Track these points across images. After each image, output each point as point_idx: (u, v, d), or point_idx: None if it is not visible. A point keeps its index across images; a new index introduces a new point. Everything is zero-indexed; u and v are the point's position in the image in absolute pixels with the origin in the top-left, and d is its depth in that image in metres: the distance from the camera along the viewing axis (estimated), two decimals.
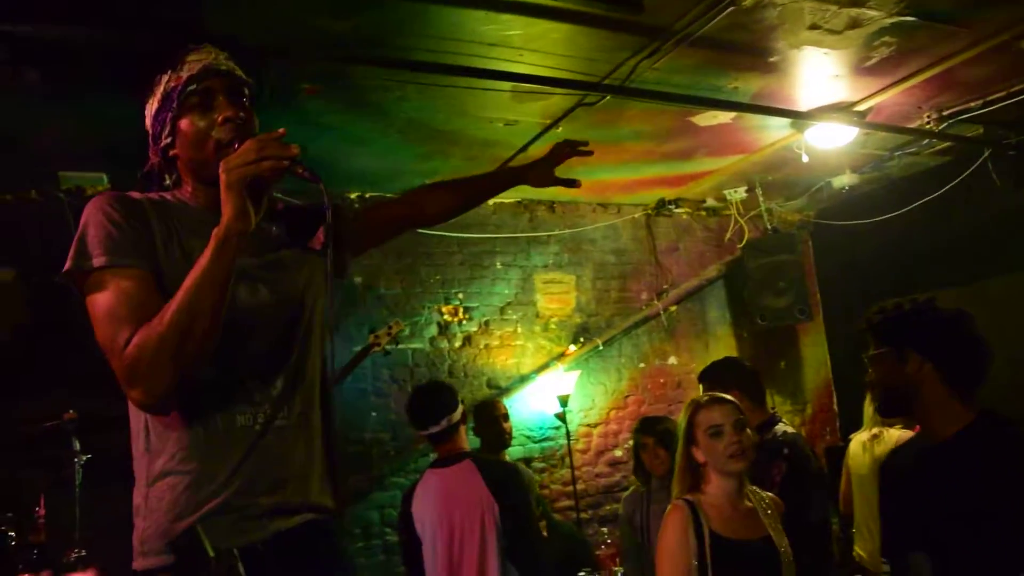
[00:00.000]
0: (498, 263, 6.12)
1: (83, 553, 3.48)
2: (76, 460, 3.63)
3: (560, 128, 4.70)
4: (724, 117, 4.95)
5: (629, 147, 5.28)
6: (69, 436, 3.66)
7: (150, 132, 1.79)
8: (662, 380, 6.65)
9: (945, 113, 5.12)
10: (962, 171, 5.81)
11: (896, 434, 4.20)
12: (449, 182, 2.28)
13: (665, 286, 6.77)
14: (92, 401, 4.38)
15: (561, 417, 5.72)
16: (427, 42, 3.63)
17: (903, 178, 6.42)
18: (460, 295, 5.93)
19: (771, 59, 4.14)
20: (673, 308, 6.77)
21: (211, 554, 1.09)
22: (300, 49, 3.53)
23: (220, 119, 1.71)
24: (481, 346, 5.94)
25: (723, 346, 6.87)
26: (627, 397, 6.44)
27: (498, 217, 6.14)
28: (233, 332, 1.62)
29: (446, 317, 5.86)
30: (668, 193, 6.64)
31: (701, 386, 3.72)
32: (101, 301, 1.58)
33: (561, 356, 6.14)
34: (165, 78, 1.75)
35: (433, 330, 5.82)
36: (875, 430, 4.38)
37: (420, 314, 5.78)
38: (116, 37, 3.28)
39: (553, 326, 6.26)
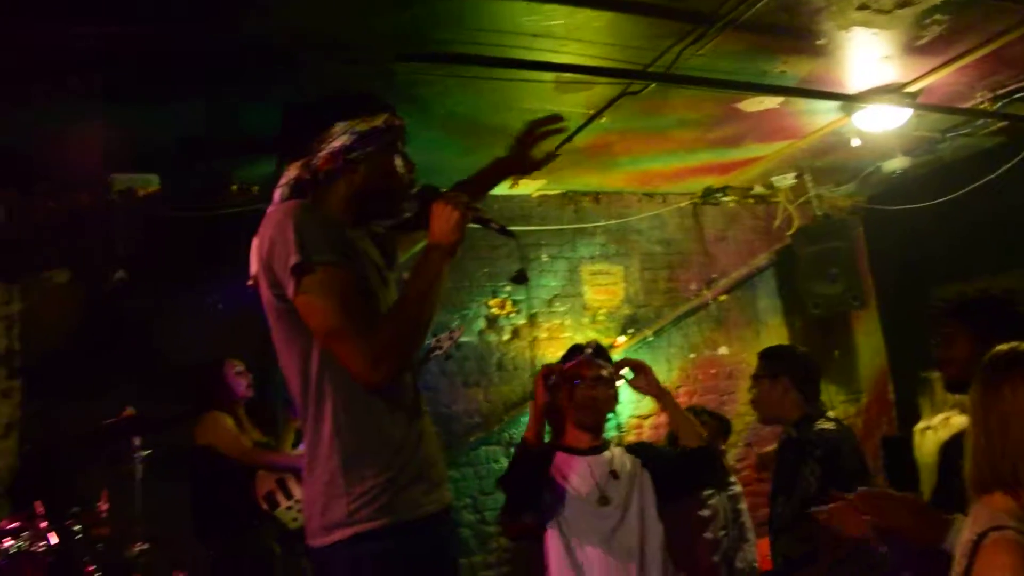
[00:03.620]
0: (544, 255, 6.11)
1: (146, 546, 3.56)
2: (136, 456, 3.70)
3: (604, 118, 4.67)
4: (771, 102, 4.86)
5: (674, 135, 5.23)
6: (129, 433, 3.74)
7: (341, 144, 2.01)
8: (713, 371, 6.59)
9: (999, 92, 4.96)
10: (1018, 152, 5.64)
11: (961, 420, 4.10)
12: (459, 183, 2.56)
13: (714, 275, 6.71)
14: (148, 399, 4.52)
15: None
16: (469, 35, 3.62)
17: (957, 160, 6.26)
18: (507, 288, 5.93)
19: (819, 42, 4.06)
20: (723, 297, 6.70)
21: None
22: (344, 46, 3.55)
23: (408, 169, 2.13)
24: (529, 339, 5.95)
25: (774, 335, 6.78)
26: (678, 388, 6.39)
27: (543, 209, 6.13)
28: None
29: (494, 310, 5.87)
30: (715, 181, 6.56)
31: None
32: (336, 294, 1.81)
33: (610, 348, 6.11)
34: (386, 116, 2.07)
35: (481, 323, 5.84)
36: (943, 415, 4.28)
37: (468, 308, 5.81)
38: (174, 40, 3.32)
39: (601, 317, 6.23)
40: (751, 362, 6.56)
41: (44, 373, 4.83)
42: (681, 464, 3.05)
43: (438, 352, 5.08)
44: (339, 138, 2.01)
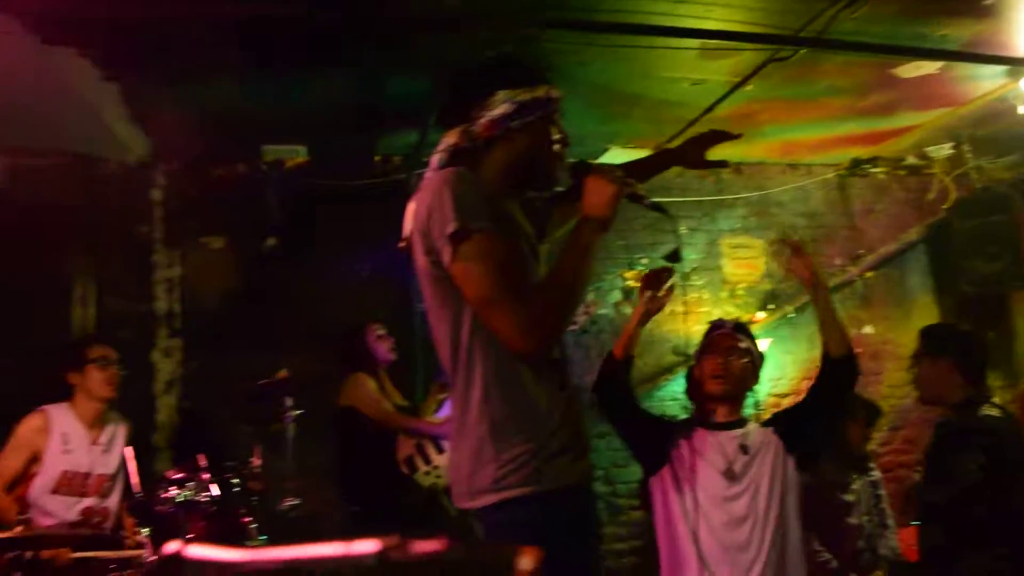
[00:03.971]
0: (683, 227, 5.99)
1: (296, 502, 3.71)
2: (288, 415, 3.86)
3: (750, 86, 4.53)
4: (930, 68, 4.60)
5: (823, 103, 5.02)
6: (282, 393, 3.90)
7: (501, 112, 2.00)
8: (857, 350, 6.25)
9: None
10: None
11: None
12: (621, 166, 2.45)
13: (860, 251, 6.42)
14: (296, 360, 4.72)
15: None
16: (612, 3, 3.58)
17: None
18: (644, 260, 5.86)
19: (985, 2, 3.81)
20: (869, 274, 6.41)
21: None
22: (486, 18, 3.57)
23: (560, 140, 2.08)
24: (666, 312, 5.81)
25: (925, 314, 6.43)
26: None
27: (682, 180, 6.00)
28: None
29: (630, 283, 5.82)
30: (863, 152, 6.26)
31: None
32: (492, 261, 1.82)
33: (749, 324, 5.95)
34: (546, 87, 2.04)
35: (617, 296, 5.80)
36: None
37: (604, 280, 5.78)
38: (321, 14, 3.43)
39: (740, 292, 6.09)
40: (898, 342, 6.36)
41: (202, 333, 5.14)
42: (811, 397, 2.93)
43: (573, 326, 5.03)
44: (500, 106, 2.00)
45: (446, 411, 4.23)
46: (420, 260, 1.94)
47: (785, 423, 2.93)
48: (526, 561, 0.53)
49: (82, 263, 4.99)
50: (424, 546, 0.57)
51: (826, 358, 2.86)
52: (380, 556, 0.57)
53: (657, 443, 2.95)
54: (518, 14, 3.60)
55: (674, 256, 2.29)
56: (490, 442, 1.85)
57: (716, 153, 2.55)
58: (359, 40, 3.82)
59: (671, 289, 3.03)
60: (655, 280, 3.02)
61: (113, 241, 5.14)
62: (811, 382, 2.96)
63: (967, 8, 3.87)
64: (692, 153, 2.55)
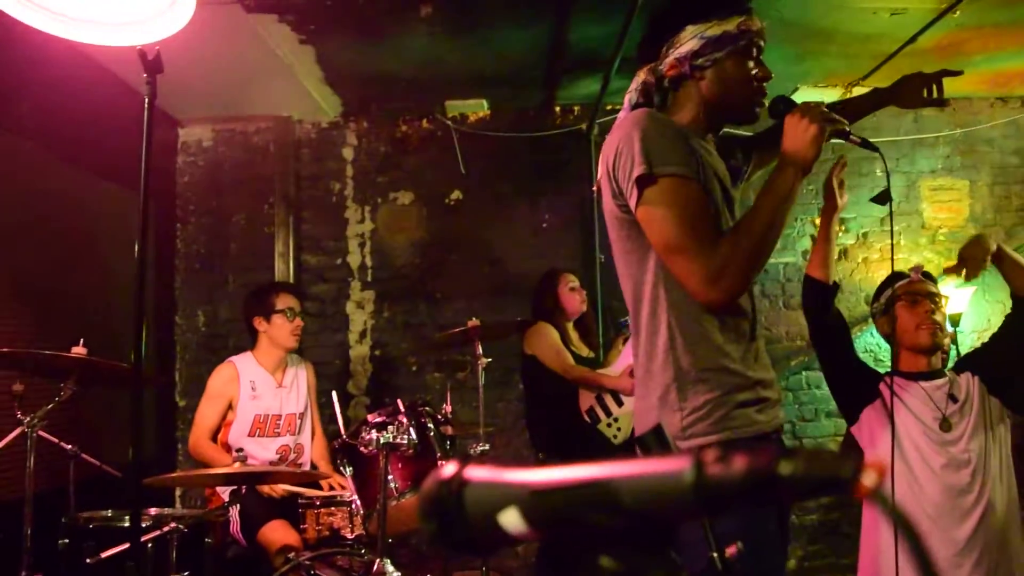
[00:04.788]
0: (878, 170, 5.63)
1: (487, 447, 3.81)
2: (479, 363, 3.95)
3: (957, 13, 4.15)
4: None
5: None
6: (473, 342, 3.99)
7: (690, 48, 1.94)
8: None
9: None
10: None
11: None
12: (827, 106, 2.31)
13: None
14: (482, 311, 4.84)
15: (952, 338, 5.22)
16: None
17: None
18: None
19: None
20: None
21: (674, 449, 1.19)
22: None
23: (760, 75, 1.97)
24: (859, 260, 5.59)
25: None
26: None
27: (877, 119, 5.54)
28: None
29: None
30: None
31: None
32: (678, 207, 1.77)
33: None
34: (739, 19, 1.93)
35: (806, 243, 5.56)
36: None
37: (792, 226, 5.56)
38: None
39: (942, 238, 5.69)
40: None
41: (392, 285, 5.35)
42: (1005, 337, 2.96)
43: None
44: (687, 43, 1.93)
45: (623, 362, 4.21)
46: (608, 203, 1.92)
47: (980, 365, 2.94)
48: (869, 477, 0.49)
49: (283, 220, 5.28)
50: (746, 460, 0.53)
51: (1015, 298, 2.92)
52: (697, 471, 0.54)
53: (864, 389, 2.95)
54: None
55: (883, 197, 2.16)
56: (675, 389, 1.83)
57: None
58: None
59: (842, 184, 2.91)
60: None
61: (310, 198, 5.42)
62: (1004, 322, 2.99)
63: None
64: (908, 92, 2.35)
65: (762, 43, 1.97)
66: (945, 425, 2.80)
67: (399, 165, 5.45)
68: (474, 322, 3.87)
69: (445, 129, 5.41)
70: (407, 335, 5.31)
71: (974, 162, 5.78)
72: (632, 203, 1.81)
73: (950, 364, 3.03)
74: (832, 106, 2.21)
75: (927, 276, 3.02)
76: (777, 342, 5.45)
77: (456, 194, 5.42)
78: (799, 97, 5.32)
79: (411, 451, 3.10)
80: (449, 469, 0.66)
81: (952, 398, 2.85)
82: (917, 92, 2.34)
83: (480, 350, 3.92)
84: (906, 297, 2.96)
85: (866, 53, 4.75)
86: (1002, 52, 4.88)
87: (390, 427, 3.04)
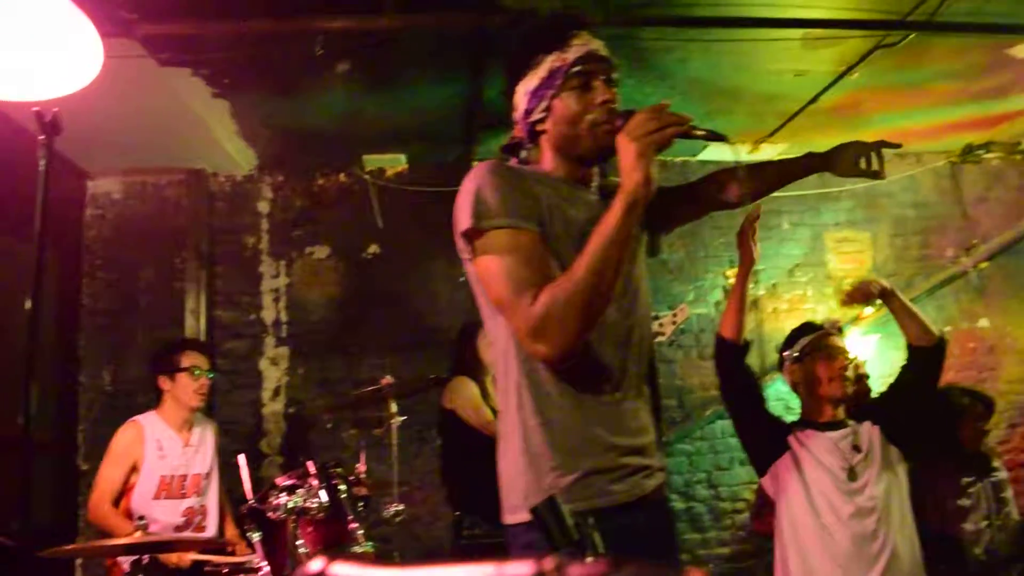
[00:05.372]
0: (785, 223, 5.84)
1: (401, 507, 3.74)
2: (392, 422, 3.90)
3: (856, 74, 4.38)
4: None
5: (934, 88, 4.81)
6: (386, 399, 3.94)
7: (523, 107, 1.87)
8: (971, 345, 6.05)
9: None
10: None
11: None
12: (760, 163, 2.26)
13: (974, 241, 6.13)
14: (399, 366, 4.79)
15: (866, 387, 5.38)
16: None
17: None
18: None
19: None
20: (984, 265, 6.11)
21: (569, 521, 1.13)
22: (589, 16, 3.53)
23: (599, 101, 1.80)
24: (769, 310, 5.73)
25: None
26: None
27: None
28: None
29: (731, 281, 5.69)
30: (976, 137, 5.97)
31: None
32: (502, 260, 1.67)
33: (856, 320, 5.77)
34: (550, 58, 1.81)
35: (718, 295, 5.69)
36: None
37: (704, 278, 5.68)
38: (415, 20, 3.48)
39: (846, 288, 5.87)
40: (1016, 336, 6.06)
41: (307, 341, 5.26)
42: (900, 380, 3.13)
43: (660, 337, 4.80)
44: (519, 103, 1.87)
45: None
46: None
47: (880, 415, 3.07)
48: None
49: (195, 275, 5.16)
50: (584, 569, 0.53)
51: (911, 349, 3.08)
52: None
53: (774, 442, 3.05)
54: (616, 13, 3.56)
55: (715, 136, 1.76)
56: (522, 455, 1.72)
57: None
58: (459, 47, 3.84)
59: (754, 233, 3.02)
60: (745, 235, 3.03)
61: (223, 253, 5.32)
62: (900, 372, 3.15)
63: None
64: (843, 160, 2.14)
65: (597, 65, 1.83)
66: (852, 474, 2.89)
67: (315, 219, 5.41)
68: (387, 379, 3.83)
69: (363, 183, 5.40)
70: (323, 392, 5.21)
71: (875, 215, 6.03)
72: (467, 258, 1.75)
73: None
74: (761, 165, 2.24)
75: (839, 331, 3.18)
76: (691, 392, 5.53)
77: (373, 248, 5.39)
78: (709, 153, 5.49)
79: (322, 514, 3.02)
80: (315, 566, 0.65)
81: (856, 448, 2.96)
82: (852, 162, 2.15)
83: (394, 408, 3.88)
84: (824, 351, 3.07)
85: (772, 112, 4.94)
86: (898, 111, 5.13)
87: (299, 490, 2.97)
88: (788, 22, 3.67)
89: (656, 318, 4.83)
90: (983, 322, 6.10)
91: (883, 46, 4.06)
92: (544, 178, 1.83)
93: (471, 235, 1.70)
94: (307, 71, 4.00)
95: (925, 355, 3.06)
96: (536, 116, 1.85)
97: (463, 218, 1.70)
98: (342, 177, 5.44)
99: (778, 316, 5.72)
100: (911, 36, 3.94)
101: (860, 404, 3.30)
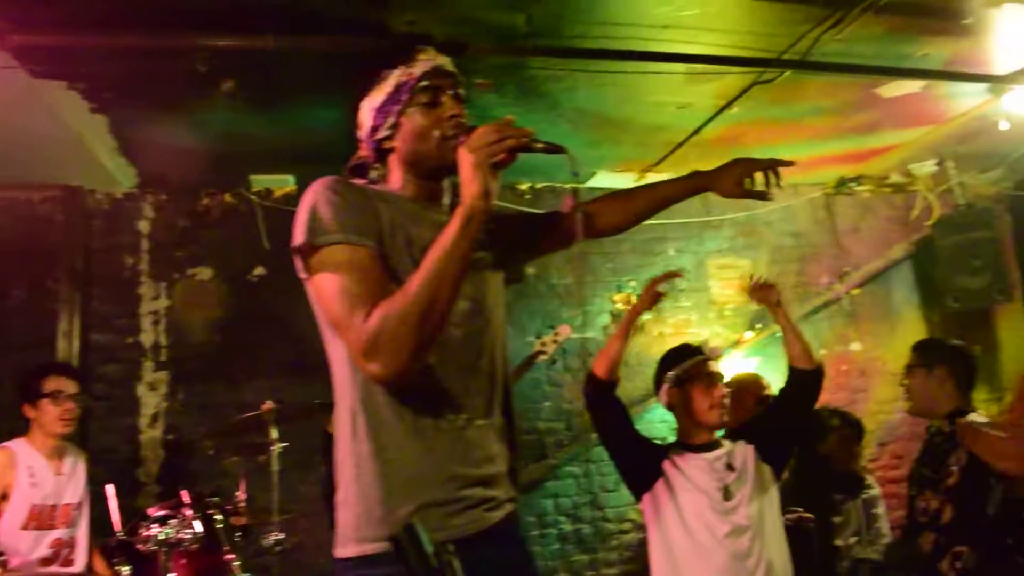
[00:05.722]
0: (670, 249, 6.02)
1: (282, 536, 3.66)
2: (273, 448, 3.81)
3: (736, 108, 4.56)
4: (912, 87, 4.65)
5: (808, 124, 5.05)
6: (266, 425, 3.85)
7: (368, 124, 1.83)
8: (844, 367, 6.34)
9: None
10: None
11: None
12: (630, 190, 2.16)
13: (846, 268, 6.45)
14: (284, 391, 4.68)
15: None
16: (599, 29, 3.60)
17: None
18: (632, 283, 5.87)
19: (965, 21, 3.84)
20: (856, 291, 6.44)
21: (429, 549, 1.10)
22: (476, 44, 3.57)
23: (447, 116, 1.77)
24: (655, 334, 5.86)
25: (911, 330, 6.46)
26: None
27: None
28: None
29: (618, 306, 5.82)
30: (849, 171, 6.31)
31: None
32: (336, 276, 1.60)
33: (737, 344, 5.97)
34: (396, 73, 1.79)
35: (605, 319, 5.79)
36: None
37: (592, 303, 5.78)
38: (303, 42, 3.44)
39: (728, 313, 6.09)
40: (885, 359, 6.38)
41: (188, 366, 5.08)
42: (780, 402, 3.23)
43: (543, 356, 4.81)
44: (365, 120, 1.83)
45: None
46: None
47: (755, 434, 3.14)
48: None
49: (68, 296, 4.93)
50: None
51: (791, 370, 3.16)
52: None
53: (649, 465, 3.09)
54: (505, 42, 3.61)
55: (554, 148, 1.69)
56: (354, 484, 1.63)
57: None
58: (347, 68, 3.81)
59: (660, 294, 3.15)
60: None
61: (100, 273, 5.09)
62: (776, 397, 3.27)
63: (947, 28, 3.91)
64: (727, 180, 2.04)
65: (444, 79, 1.81)
66: (727, 494, 2.96)
67: (199, 239, 5.24)
68: (268, 404, 3.74)
69: (249, 204, 5.28)
70: (204, 418, 5.02)
71: (755, 243, 6.28)
72: (303, 277, 1.69)
73: (721, 433, 3.20)
74: (629, 192, 2.15)
75: (718, 356, 3.25)
76: (580, 415, 5.59)
77: (259, 270, 5.26)
78: (597, 181, 5.60)
79: (195, 545, 2.94)
80: None
81: (730, 467, 3.02)
82: (737, 182, 2.03)
83: (275, 434, 3.79)
84: (703, 379, 3.09)
85: (657, 142, 5.09)
86: (776, 144, 5.35)
87: (172, 521, 2.88)
88: (671, 56, 3.79)
89: (539, 337, 4.89)
90: (855, 345, 6.41)
91: (760, 82, 4.24)
92: (389, 196, 1.78)
93: (305, 252, 1.64)
94: (190, 88, 3.89)
95: (805, 378, 3.15)
96: (383, 133, 1.81)
97: (297, 234, 1.65)
98: (228, 197, 5.30)
99: (663, 340, 5.85)
100: (786, 73, 4.13)
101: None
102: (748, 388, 4.10)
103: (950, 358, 3.33)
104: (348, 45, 3.45)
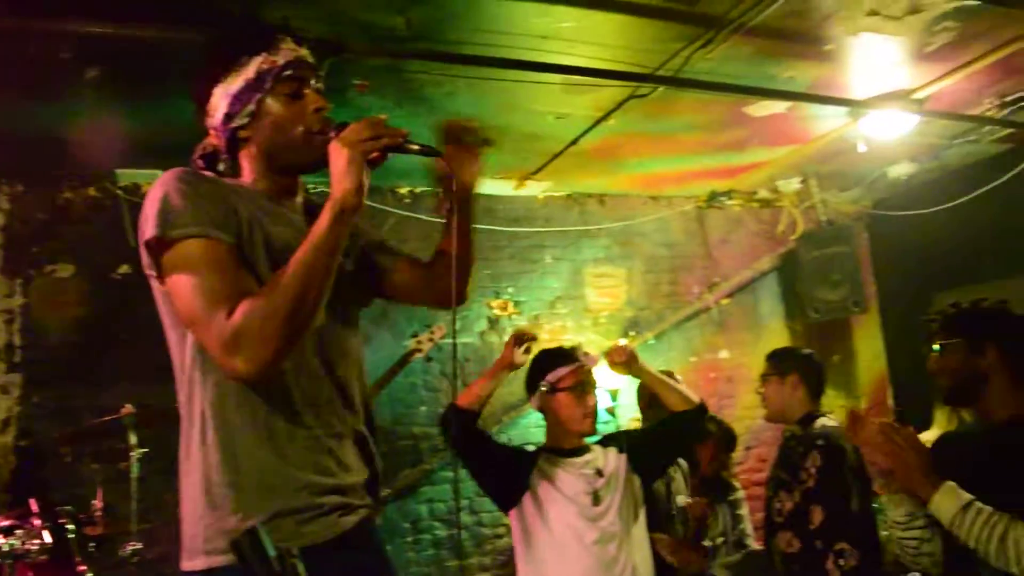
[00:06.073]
0: (548, 257, 6.09)
1: (139, 546, 3.52)
2: (132, 454, 3.66)
3: (612, 120, 4.66)
4: (778, 107, 4.85)
5: (681, 139, 5.21)
6: (126, 430, 3.69)
7: (223, 111, 1.72)
8: (713, 374, 6.57)
9: (1007, 99, 4.95)
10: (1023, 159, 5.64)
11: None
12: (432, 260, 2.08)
13: (716, 279, 6.69)
14: (148, 394, 4.48)
15: (611, 411, 5.68)
16: (479, 36, 3.61)
17: (963, 167, 6.22)
18: (510, 289, 5.92)
19: (827, 47, 4.05)
20: (725, 301, 6.68)
21: (272, 554, 1.07)
22: (353, 44, 3.53)
23: (312, 108, 1.72)
24: None
25: (775, 339, 6.73)
26: None
27: (547, 211, 6.11)
28: None
29: (496, 311, 5.86)
30: (720, 185, 6.54)
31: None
32: (193, 272, 1.52)
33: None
34: (257, 60, 1.70)
35: (483, 324, 5.82)
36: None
37: (470, 308, 5.79)
38: (173, 32, 3.32)
39: (603, 320, 6.22)
40: (751, 366, 6.62)
41: (44, 368, 4.82)
42: (663, 431, 3.23)
43: (418, 354, 4.84)
44: (219, 106, 1.72)
45: None
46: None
47: (630, 447, 3.16)
48: None
49: None
50: None
51: (673, 414, 3.15)
52: None
53: (515, 481, 3.05)
54: (386, 44, 3.58)
55: (429, 151, 1.71)
56: (203, 493, 1.57)
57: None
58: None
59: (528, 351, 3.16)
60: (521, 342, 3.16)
61: None
62: (662, 422, 3.24)
63: (811, 53, 4.09)
64: (457, 163, 1.95)
65: (307, 71, 1.75)
66: (596, 499, 2.97)
67: (59, 235, 4.97)
68: (127, 408, 3.59)
69: (115, 199, 5.05)
70: (61, 423, 4.76)
71: (630, 252, 6.42)
72: (152, 271, 1.60)
73: (596, 438, 3.20)
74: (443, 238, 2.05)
75: (594, 363, 3.22)
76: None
77: (124, 268, 5.02)
78: (482, 188, 5.62)
79: (44, 557, 2.79)
80: None
81: (599, 472, 3.03)
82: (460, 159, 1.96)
83: (135, 439, 3.64)
84: (576, 388, 3.06)
85: (536, 150, 5.14)
86: (651, 157, 5.51)
87: (18, 531, 2.72)
88: (549, 67, 3.83)
89: (415, 335, 4.87)
90: (723, 353, 6.64)
91: (635, 96, 4.35)
92: (243, 191, 1.71)
93: (157, 246, 1.55)
94: (50, 73, 3.69)
95: (688, 415, 3.13)
96: (239, 121, 1.72)
97: (147, 228, 1.55)
98: (92, 191, 5.05)
99: (540, 346, 5.89)
100: (659, 89, 4.25)
101: (620, 427, 3.45)
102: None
103: (801, 366, 3.52)
104: (217, 36, 3.34)
